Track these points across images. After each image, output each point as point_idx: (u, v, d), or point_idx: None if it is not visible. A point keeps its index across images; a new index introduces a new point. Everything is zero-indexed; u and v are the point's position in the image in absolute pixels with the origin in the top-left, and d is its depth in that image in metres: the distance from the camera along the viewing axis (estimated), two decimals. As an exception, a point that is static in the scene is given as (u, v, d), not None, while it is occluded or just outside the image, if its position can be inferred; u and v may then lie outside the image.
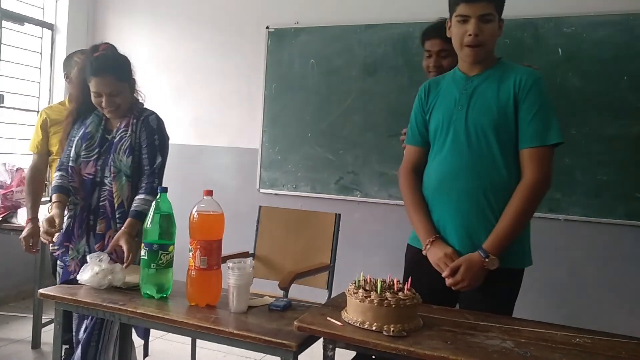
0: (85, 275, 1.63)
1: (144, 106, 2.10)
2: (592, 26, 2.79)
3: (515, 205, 1.52)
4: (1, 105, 3.55)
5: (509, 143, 1.56)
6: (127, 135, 1.96)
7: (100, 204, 1.95)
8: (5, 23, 3.56)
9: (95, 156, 1.97)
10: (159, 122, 2.04)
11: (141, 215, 1.84)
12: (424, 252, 1.62)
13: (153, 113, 2.06)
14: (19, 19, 3.68)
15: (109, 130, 2.02)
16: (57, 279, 2.04)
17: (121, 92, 1.96)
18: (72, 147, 2.00)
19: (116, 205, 1.92)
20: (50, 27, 3.91)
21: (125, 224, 1.86)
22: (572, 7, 2.82)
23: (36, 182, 2.45)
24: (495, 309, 1.50)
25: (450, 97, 1.65)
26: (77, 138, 2.00)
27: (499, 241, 1.51)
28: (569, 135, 2.79)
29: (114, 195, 1.93)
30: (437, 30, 2.01)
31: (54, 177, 2.02)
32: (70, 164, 1.98)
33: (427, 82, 1.75)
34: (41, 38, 3.88)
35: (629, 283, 2.76)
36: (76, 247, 1.96)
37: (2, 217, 2.77)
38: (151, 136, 1.98)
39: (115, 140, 1.97)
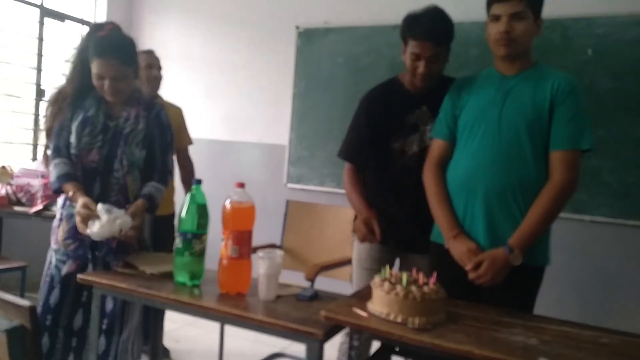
0: (94, 227, 1.66)
1: (143, 94, 2.00)
2: (623, 27, 2.74)
3: (543, 204, 1.53)
4: (43, 99, 3.70)
5: (541, 144, 1.57)
6: (140, 128, 1.88)
7: (114, 198, 1.85)
8: (47, 20, 3.71)
9: (99, 144, 1.85)
10: (167, 116, 1.99)
11: (151, 199, 1.86)
12: (446, 246, 1.63)
13: (162, 107, 1.99)
14: (60, 16, 3.83)
15: (111, 116, 1.89)
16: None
17: (125, 77, 1.85)
18: (71, 132, 1.86)
19: (132, 200, 1.86)
20: (90, 24, 4.05)
21: (136, 204, 1.81)
22: (604, 7, 2.78)
23: None
24: (516, 306, 1.52)
25: (484, 94, 1.65)
26: (77, 122, 1.86)
27: (525, 238, 1.53)
28: (596, 137, 2.70)
29: (129, 190, 1.87)
30: (428, 31, 1.73)
31: (54, 164, 1.87)
32: (73, 151, 1.86)
33: (460, 79, 1.76)
34: (81, 35, 4.01)
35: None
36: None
37: (43, 206, 2.90)
38: (165, 133, 1.94)
39: (126, 132, 1.86)
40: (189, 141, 2.67)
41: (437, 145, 1.75)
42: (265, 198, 3.45)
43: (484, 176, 1.59)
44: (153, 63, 2.50)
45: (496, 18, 1.58)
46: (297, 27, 3.55)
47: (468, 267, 1.55)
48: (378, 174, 1.94)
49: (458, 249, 1.59)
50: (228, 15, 3.86)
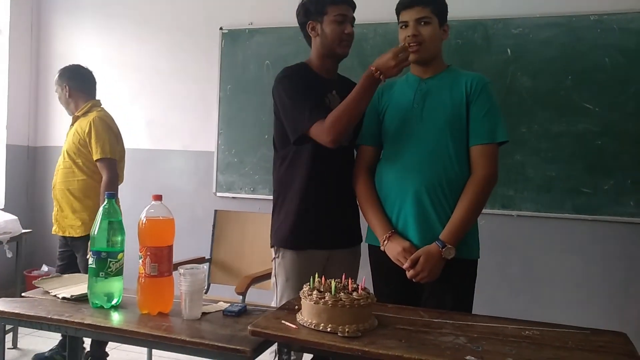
0: None
1: None
2: (537, 27, 2.89)
3: (469, 197, 1.60)
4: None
5: (461, 140, 1.65)
6: None
7: None
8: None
9: None
10: None
11: None
12: (382, 248, 1.66)
13: None
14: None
15: None
16: None
17: None
18: None
19: None
20: (-8, 28, 3.73)
21: None
22: (519, 8, 2.92)
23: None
24: (458, 298, 1.62)
25: (404, 97, 1.72)
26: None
27: (455, 231, 1.58)
28: (519, 133, 2.88)
29: None
30: None
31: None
32: None
33: (380, 86, 1.77)
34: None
35: (578, 275, 2.87)
36: None
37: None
38: None
39: None
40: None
41: (365, 151, 1.79)
42: (193, 209, 3.32)
43: (413, 176, 1.64)
44: None
45: (404, 25, 1.66)
46: (221, 29, 3.45)
47: (405, 265, 1.58)
48: (311, 158, 1.77)
49: (393, 249, 1.62)
50: (148, 16, 3.68)
